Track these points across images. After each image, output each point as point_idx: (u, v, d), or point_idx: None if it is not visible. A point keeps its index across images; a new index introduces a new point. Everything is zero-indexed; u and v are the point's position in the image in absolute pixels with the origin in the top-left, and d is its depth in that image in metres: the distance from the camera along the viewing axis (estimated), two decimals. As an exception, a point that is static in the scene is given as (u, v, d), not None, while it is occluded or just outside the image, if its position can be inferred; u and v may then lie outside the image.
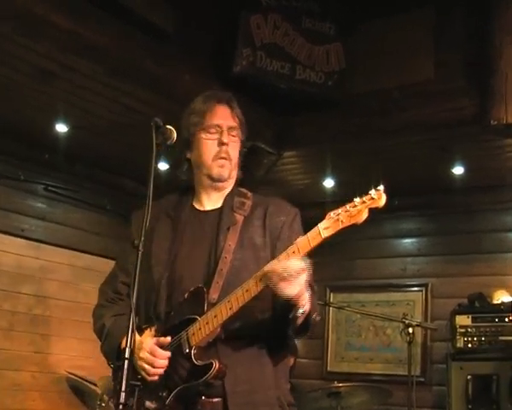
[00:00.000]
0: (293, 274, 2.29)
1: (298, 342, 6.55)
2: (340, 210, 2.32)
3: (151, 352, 2.47)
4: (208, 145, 2.71)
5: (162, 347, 2.50)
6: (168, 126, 2.50)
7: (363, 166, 6.20)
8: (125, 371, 2.21)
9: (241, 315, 2.48)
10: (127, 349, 2.23)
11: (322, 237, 2.31)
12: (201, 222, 2.73)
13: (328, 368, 7.30)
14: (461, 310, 6.09)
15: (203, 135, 2.71)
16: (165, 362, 2.49)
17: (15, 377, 6.01)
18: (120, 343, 2.56)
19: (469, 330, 5.94)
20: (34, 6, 4.08)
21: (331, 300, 7.21)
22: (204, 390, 2.47)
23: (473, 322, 5.96)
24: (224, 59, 5.23)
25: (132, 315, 2.26)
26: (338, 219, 2.30)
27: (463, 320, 6.00)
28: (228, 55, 5.21)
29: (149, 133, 2.45)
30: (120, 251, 2.88)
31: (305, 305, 2.40)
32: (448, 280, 6.75)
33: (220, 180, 2.73)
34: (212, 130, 2.71)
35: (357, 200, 2.31)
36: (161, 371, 2.48)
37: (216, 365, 2.43)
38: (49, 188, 6.33)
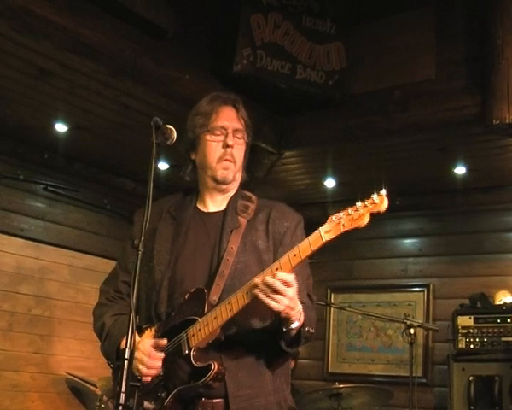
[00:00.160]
0: (279, 288, 2.30)
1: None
2: (341, 214, 2.31)
3: (145, 353, 2.47)
4: (213, 147, 2.70)
5: (159, 348, 2.50)
6: (168, 126, 2.50)
7: (365, 166, 6.21)
8: (125, 372, 2.20)
9: (243, 321, 2.50)
10: (127, 350, 2.23)
11: (324, 240, 2.31)
12: (205, 224, 2.73)
13: (329, 369, 7.30)
14: (463, 311, 6.09)
15: (208, 137, 2.71)
16: (158, 363, 2.48)
17: (14, 378, 6.02)
18: (120, 343, 2.56)
19: (471, 330, 5.94)
20: (33, 5, 4.07)
21: (332, 300, 7.22)
22: (204, 392, 2.47)
23: (475, 323, 5.96)
24: (225, 58, 5.23)
25: (132, 315, 2.26)
26: (339, 223, 2.30)
27: (465, 321, 6.00)
28: (228, 54, 5.20)
29: (149, 133, 2.45)
30: (122, 250, 2.88)
31: (298, 318, 2.40)
32: (450, 281, 6.75)
33: (224, 183, 2.73)
34: (218, 132, 2.71)
35: (358, 204, 2.30)
36: (155, 372, 2.48)
37: (215, 366, 2.43)
38: (49, 188, 6.32)
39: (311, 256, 2.37)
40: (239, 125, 2.74)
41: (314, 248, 2.33)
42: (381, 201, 2.30)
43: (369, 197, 2.31)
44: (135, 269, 2.32)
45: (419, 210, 6.95)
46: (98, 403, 5.29)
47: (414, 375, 5.04)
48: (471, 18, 5.15)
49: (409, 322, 5.13)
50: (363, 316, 6.85)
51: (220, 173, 2.70)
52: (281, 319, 2.39)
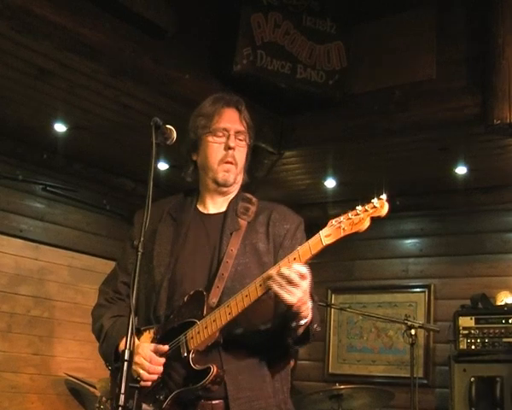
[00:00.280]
0: (295, 279, 2.29)
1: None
2: (342, 218, 2.31)
3: (146, 358, 2.47)
4: (215, 149, 2.70)
5: (159, 353, 2.50)
6: (168, 126, 2.50)
7: (365, 167, 6.21)
8: (125, 373, 2.21)
9: (243, 324, 2.50)
10: (126, 351, 2.23)
11: (324, 244, 2.31)
12: (205, 225, 2.73)
13: (330, 370, 7.31)
14: (464, 311, 6.09)
15: (210, 138, 2.71)
16: (159, 369, 2.48)
17: (13, 380, 6.02)
18: (118, 345, 2.56)
19: (472, 331, 5.94)
20: (32, 4, 4.08)
21: (332, 301, 7.22)
22: (202, 394, 2.47)
23: (476, 323, 5.96)
24: (225, 58, 5.23)
25: (132, 316, 2.26)
26: (340, 227, 2.29)
27: (466, 322, 6.00)
28: (228, 54, 5.20)
29: (149, 133, 2.45)
30: (121, 251, 2.88)
31: (307, 315, 2.39)
32: (451, 281, 6.75)
33: (225, 185, 2.73)
34: (220, 133, 2.71)
35: (359, 208, 2.30)
36: (156, 377, 2.48)
37: (214, 369, 2.43)
38: (48, 188, 6.33)
39: (310, 259, 2.36)
40: (241, 128, 2.74)
41: (314, 251, 2.33)
42: (381, 205, 2.29)
43: (369, 201, 2.31)
44: (134, 270, 2.32)
45: (420, 210, 6.95)
46: (97, 404, 5.29)
47: (415, 376, 5.03)
48: (472, 17, 5.15)
49: (410, 323, 5.13)
50: (364, 317, 6.85)
51: (221, 176, 2.70)
52: (290, 314, 2.38)
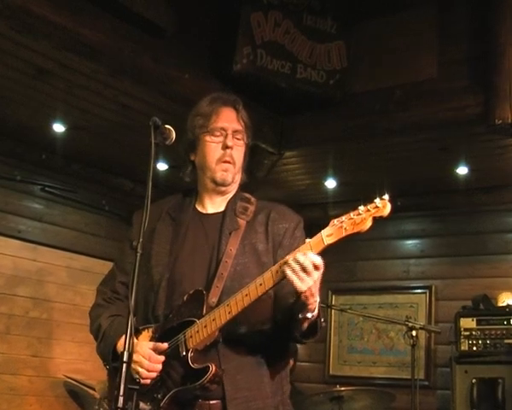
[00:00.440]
0: (308, 267, 2.28)
1: (299, 346, 6.55)
2: (343, 217, 2.32)
3: (144, 356, 2.48)
4: (212, 148, 2.72)
5: (158, 351, 2.51)
6: (167, 126, 2.51)
7: (366, 167, 6.21)
8: (124, 375, 2.21)
9: (242, 323, 2.51)
10: (125, 353, 2.23)
11: (325, 243, 2.32)
12: (203, 225, 2.74)
13: (331, 372, 7.31)
14: (465, 312, 6.10)
15: (208, 138, 2.72)
16: (158, 367, 2.50)
17: (12, 382, 6.02)
18: (116, 345, 2.58)
19: (474, 332, 5.95)
20: (32, 4, 4.09)
21: (333, 302, 7.22)
22: (200, 393, 2.48)
23: (477, 325, 5.97)
24: (224, 57, 5.23)
25: (131, 317, 2.26)
26: (341, 227, 2.30)
27: (468, 323, 6.00)
28: (228, 53, 5.21)
29: (148, 133, 2.46)
30: (120, 251, 2.89)
31: (314, 309, 2.40)
32: (452, 282, 6.76)
33: (223, 184, 2.74)
34: (217, 133, 2.72)
35: (361, 208, 2.31)
36: (155, 375, 2.49)
37: (212, 368, 2.44)
38: (46, 189, 6.34)
39: None
40: (239, 127, 2.75)
41: (315, 251, 2.33)
42: (383, 205, 2.30)
43: (371, 201, 2.31)
44: (133, 270, 2.33)
45: (421, 211, 6.95)
46: (97, 407, 5.29)
47: (416, 378, 5.03)
48: (473, 17, 5.16)
49: (411, 324, 5.13)
50: (365, 318, 6.86)
51: (219, 175, 2.71)
52: (298, 306, 2.38)
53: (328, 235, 2.32)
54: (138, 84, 4.94)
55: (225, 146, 2.70)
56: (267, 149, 5.83)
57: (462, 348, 5.95)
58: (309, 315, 2.40)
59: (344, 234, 2.30)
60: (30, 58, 4.60)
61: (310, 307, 2.37)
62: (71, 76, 4.83)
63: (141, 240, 2.37)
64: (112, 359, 2.61)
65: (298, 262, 2.29)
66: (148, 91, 5.03)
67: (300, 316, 2.40)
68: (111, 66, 4.71)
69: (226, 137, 2.71)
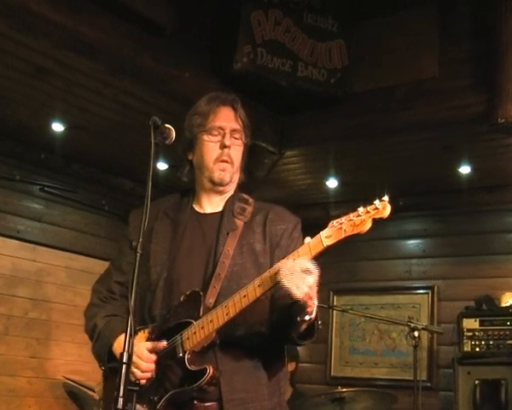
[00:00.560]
0: (300, 274, 2.28)
1: (301, 347, 6.56)
2: (343, 219, 2.32)
3: (140, 356, 2.48)
4: (210, 147, 2.72)
5: (154, 350, 2.51)
6: (167, 125, 2.51)
7: (367, 166, 6.21)
8: (123, 376, 2.21)
9: (239, 325, 2.51)
10: (125, 354, 2.23)
11: (324, 245, 2.32)
12: (201, 225, 2.74)
13: (332, 373, 7.31)
14: (468, 313, 6.10)
15: (205, 137, 2.72)
16: (151, 366, 2.49)
17: (11, 383, 6.02)
18: (112, 345, 2.59)
19: (477, 333, 5.94)
20: (31, 2, 4.09)
21: (335, 303, 7.21)
22: (197, 395, 2.48)
23: (480, 325, 5.96)
24: (225, 56, 5.23)
25: (130, 318, 2.26)
26: (341, 228, 2.30)
27: (471, 324, 6.00)
28: (228, 52, 5.21)
29: (148, 132, 2.46)
30: (117, 250, 2.89)
31: (312, 311, 2.39)
32: (454, 282, 6.75)
33: (221, 184, 2.74)
34: (215, 132, 2.72)
35: (360, 209, 2.31)
36: (149, 375, 2.49)
37: (210, 371, 2.44)
38: (46, 188, 6.34)
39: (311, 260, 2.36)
40: (237, 126, 2.75)
41: (314, 252, 2.34)
42: (383, 207, 2.31)
43: (371, 203, 2.31)
44: (133, 271, 2.33)
45: (423, 210, 6.94)
46: (96, 408, 5.29)
47: (418, 379, 5.03)
48: (475, 15, 5.15)
49: (413, 325, 5.12)
50: (367, 319, 6.86)
51: (217, 175, 2.72)
52: (296, 308, 2.38)
53: (327, 236, 2.32)
54: (138, 83, 4.95)
55: (223, 145, 2.70)
56: (267, 149, 5.83)
57: (465, 348, 5.95)
58: (307, 318, 2.39)
59: (343, 235, 2.31)
60: (29, 57, 4.61)
61: (308, 309, 2.37)
62: (70, 75, 4.84)
63: (140, 240, 2.37)
64: (107, 359, 2.61)
65: (291, 270, 2.29)
66: (148, 90, 5.04)
67: (299, 319, 2.40)
68: (110, 64, 4.71)
69: (224, 136, 2.71)
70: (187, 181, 2.83)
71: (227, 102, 2.78)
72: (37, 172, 6.25)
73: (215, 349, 2.51)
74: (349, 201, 5.86)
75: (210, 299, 2.54)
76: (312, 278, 2.31)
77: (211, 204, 2.78)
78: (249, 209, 2.75)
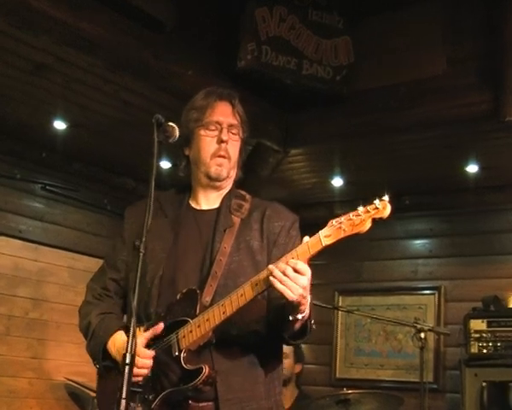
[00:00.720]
0: (293, 275, 2.30)
1: (305, 348, 6.57)
2: (342, 218, 2.32)
3: (137, 353, 2.47)
4: (207, 142, 2.72)
5: (148, 345, 2.51)
6: (170, 123, 2.52)
7: (373, 165, 6.21)
8: (126, 377, 2.21)
9: (236, 323, 2.51)
10: (128, 355, 2.23)
11: (323, 244, 2.32)
12: (197, 222, 2.75)
13: (337, 374, 7.30)
14: (475, 314, 6.08)
15: (202, 132, 2.73)
16: (148, 362, 2.48)
17: (11, 384, 6.03)
18: (106, 343, 2.60)
19: (484, 335, 5.93)
20: (30, -2, 4.10)
21: (340, 303, 7.21)
22: (193, 395, 2.48)
23: (488, 327, 5.95)
24: (228, 53, 5.23)
25: (133, 320, 2.27)
26: (340, 228, 2.31)
27: (478, 325, 5.99)
28: (232, 49, 5.20)
29: (151, 130, 2.46)
30: (111, 247, 2.90)
31: (304, 310, 2.41)
32: (461, 283, 6.74)
33: (218, 179, 2.74)
34: (212, 127, 2.72)
35: (360, 209, 2.31)
36: (145, 371, 2.48)
37: (206, 370, 2.44)
38: (47, 187, 6.35)
39: (309, 260, 2.37)
40: (234, 121, 2.75)
41: (313, 251, 2.34)
42: (383, 207, 2.31)
43: (371, 202, 2.31)
44: (136, 271, 2.34)
45: (429, 210, 6.94)
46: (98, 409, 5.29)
47: (424, 381, 5.03)
48: (482, 11, 5.14)
49: (419, 326, 5.12)
50: (372, 320, 6.84)
51: (214, 170, 2.72)
52: (289, 308, 2.39)
53: (326, 236, 2.32)
54: (139, 80, 4.95)
55: (220, 140, 2.71)
56: (272, 147, 5.83)
57: (472, 350, 5.93)
58: (299, 316, 2.41)
59: (342, 235, 2.31)
60: (29, 54, 4.61)
61: (301, 308, 2.39)
62: (70, 71, 4.84)
63: (144, 239, 2.37)
64: (102, 358, 2.62)
65: (283, 272, 2.31)
66: (149, 87, 5.04)
67: (291, 318, 2.41)
68: (111, 61, 4.71)
69: (221, 131, 2.71)
70: (183, 177, 2.83)
71: (224, 97, 2.78)
72: (39, 170, 6.25)
73: (211, 348, 2.52)
74: (354, 200, 5.79)
75: (206, 297, 2.54)
76: (305, 280, 2.32)
77: (207, 200, 2.78)
78: (246, 206, 2.75)
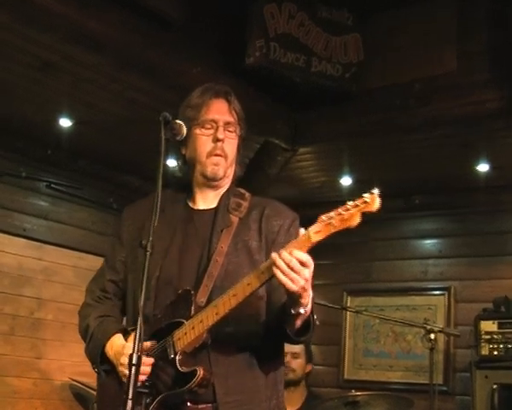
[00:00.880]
0: (296, 266, 2.29)
1: (313, 349, 6.56)
2: (332, 213, 2.31)
3: None
4: (203, 141, 2.71)
5: (146, 352, 2.50)
6: (177, 121, 2.53)
7: (382, 164, 6.20)
8: (132, 378, 2.21)
9: (232, 324, 2.51)
10: (134, 355, 2.24)
11: (313, 241, 2.31)
12: (195, 222, 2.74)
13: (345, 376, 7.29)
14: (486, 315, 6.07)
15: (198, 130, 2.71)
16: (148, 369, 2.48)
17: (16, 384, 6.04)
18: (104, 346, 2.62)
19: (495, 336, 5.92)
20: (37, -5, 4.11)
21: (348, 304, 7.20)
22: (190, 397, 2.48)
23: (499, 328, 5.94)
24: (236, 50, 5.23)
25: (140, 320, 2.27)
26: (330, 223, 2.30)
27: (488, 326, 5.98)
28: (240, 46, 5.21)
29: (158, 128, 2.47)
30: (109, 248, 2.91)
31: (307, 304, 2.40)
32: (472, 283, 6.73)
33: (215, 179, 2.74)
34: (208, 125, 2.71)
35: (350, 203, 2.31)
36: (144, 377, 2.47)
37: (200, 372, 2.43)
38: (52, 185, 6.36)
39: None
40: (230, 119, 2.74)
41: (302, 249, 2.33)
42: (372, 200, 2.31)
43: (360, 197, 2.31)
44: (143, 271, 2.34)
45: (439, 209, 6.92)
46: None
47: (434, 382, 5.03)
48: (494, 7, 5.13)
49: (429, 327, 5.11)
50: (381, 320, 6.83)
51: (210, 169, 2.71)
52: (290, 301, 2.38)
53: (315, 232, 2.31)
54: (146, 78, 4.96)
55: (216, 139, 2.69)
56: (280, 145, 5.83)
57: (483, 352, 5.92)
58: (301, 311, 2.40)
59: (332, 230, 2.30)
60: (35, 52, 4.62)
61: (303, 301, 2.37)
62: (77, 70, 4.85)
63: (150, 239, 2.38)
64: (100, 361, 2.64)
65: (285, 263, 2.30)
66: (156, 85, 5.04)
67: (293, 312, 2.40)
68: (118, 59, 4.73)
69: (217, 129, 2.70)
70: (181, 176, 2.83)
71: (220, 94, 2.76)
72: (44, 168, 6.26)
73: (209, 350, 2.51)
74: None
75: (201, 298, 2.53)
76: (308, 271, 2.32)
77: (205, 200, 2.78)
78: (245, 204, 2.74)
